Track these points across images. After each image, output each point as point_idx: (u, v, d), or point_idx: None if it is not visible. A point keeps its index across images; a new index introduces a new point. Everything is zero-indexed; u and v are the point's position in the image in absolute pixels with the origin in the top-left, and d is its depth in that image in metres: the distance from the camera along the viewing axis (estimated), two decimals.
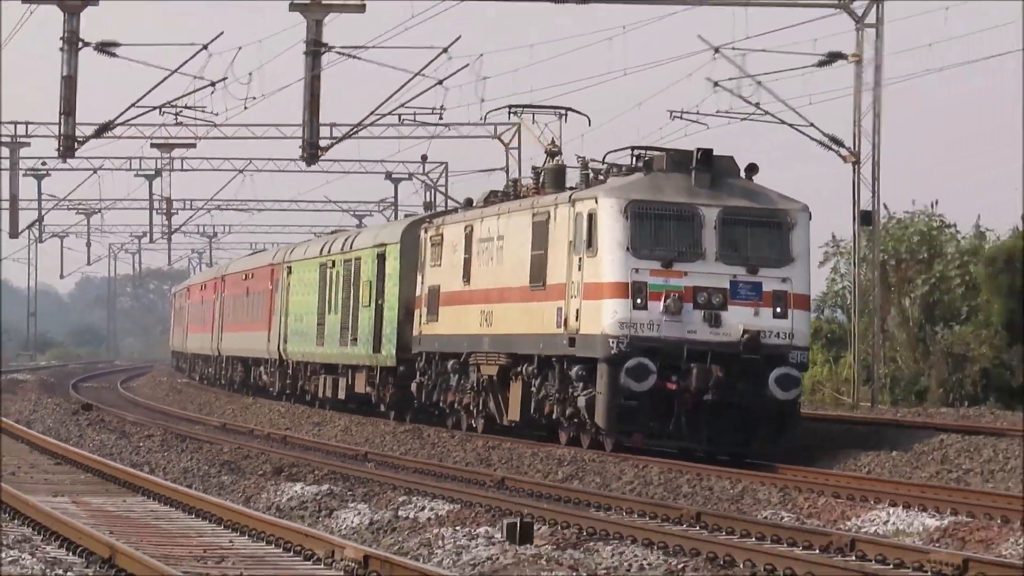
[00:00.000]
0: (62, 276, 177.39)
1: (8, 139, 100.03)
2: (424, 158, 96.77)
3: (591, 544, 17.77)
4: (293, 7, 48.53)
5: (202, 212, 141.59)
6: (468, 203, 45.56)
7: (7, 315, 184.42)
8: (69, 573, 17.66)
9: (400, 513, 22.58)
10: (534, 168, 45.86)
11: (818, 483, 30.28)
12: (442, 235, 46.24)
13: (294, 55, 52.81)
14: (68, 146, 56.72)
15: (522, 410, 41.34)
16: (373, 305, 36.42)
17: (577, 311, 35.51)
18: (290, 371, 50.12)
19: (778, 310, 34.82)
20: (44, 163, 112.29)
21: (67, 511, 23.11)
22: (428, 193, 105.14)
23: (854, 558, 16.63)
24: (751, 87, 47.50)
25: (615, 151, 40.23)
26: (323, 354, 47.30)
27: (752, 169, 38.33)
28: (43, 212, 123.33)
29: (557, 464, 35.69)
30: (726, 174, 36.72)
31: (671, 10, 62.09)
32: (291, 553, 18.49)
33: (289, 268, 50.09)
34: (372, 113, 64.05)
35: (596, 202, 35.25)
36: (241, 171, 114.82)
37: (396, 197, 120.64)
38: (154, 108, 61.30)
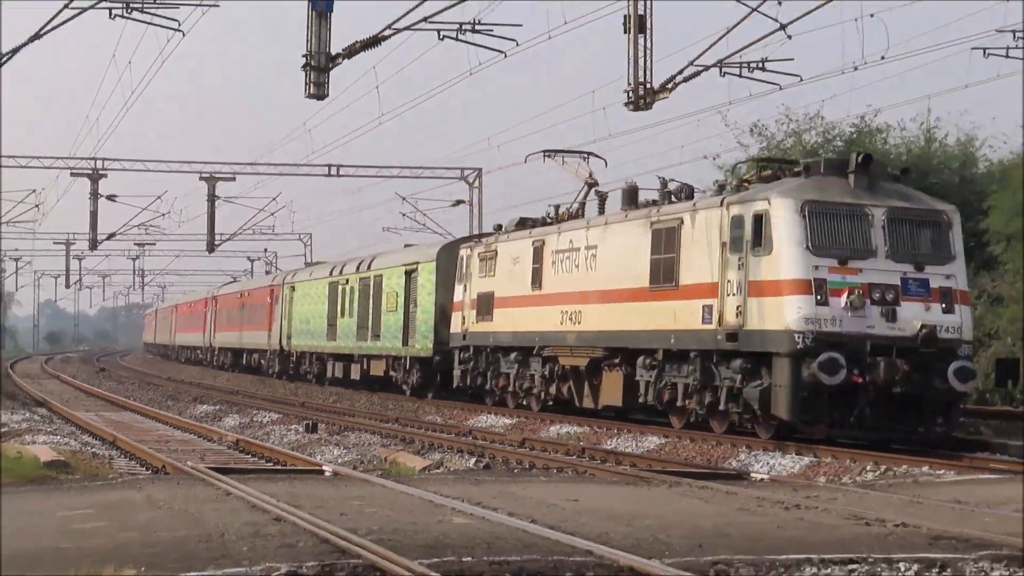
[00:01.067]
0: (90, 305, 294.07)
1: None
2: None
3: None
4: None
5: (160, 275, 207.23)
6: (498, 228, 53.60)
7: (64, 327, 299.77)
8: (92, 448, 32.48)
9: (255, 419, 50.78)
10: (597, 192, 50.74)
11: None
12: (495, 251, 52.53)
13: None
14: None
15: (624, 396, 43.76)
16: (401, 310, 46.46)
17: (739, 308, 35.33)
18: (293, 358, 63.85)
19: (945, 306, 34.49)
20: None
21: (92, 419, 44.74)
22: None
23: None
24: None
25: (744, 162, 46.31)
26: (335, 347, 60.92)
27: (905, 172, 38.73)
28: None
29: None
30: (880, 177, 36.68)
31: None
32: (201, 438, 40.66)
33: (292, 287, 63.72)
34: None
35: (769, 203, 35.02)
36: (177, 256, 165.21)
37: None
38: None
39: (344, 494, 18.94)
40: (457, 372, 55.22)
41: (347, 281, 51.18)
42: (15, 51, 35.42)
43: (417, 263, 41.96)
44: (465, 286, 53.52)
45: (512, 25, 43.22)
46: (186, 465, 24.28)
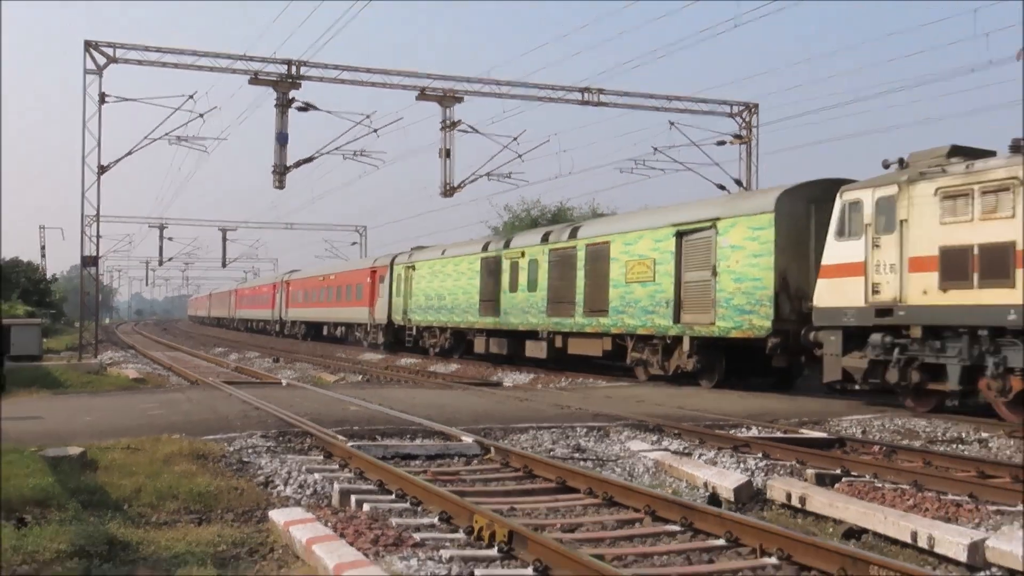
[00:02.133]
0: (160, 296, 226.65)
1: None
2: None
3: None
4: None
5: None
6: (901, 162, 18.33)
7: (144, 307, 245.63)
8: (158, 371, 29.86)
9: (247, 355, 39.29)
10: None
11: None
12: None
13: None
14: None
15: None
16: (667, 280, 23.78)
17: None
18: (413, 332, 39.95)
19: None
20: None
21: (158, 355, 39.67)
22: None
23: None
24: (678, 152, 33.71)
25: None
26: (495, 322, 33.35)
27: None
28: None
29: None
30: None
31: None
32: (216, 365, 32.95)
33: (411, 267, 40.16)
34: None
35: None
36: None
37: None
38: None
39: (292, 394, 19.26)
40: (861, 360, 17.97)
41: (522, 255, 31.67)
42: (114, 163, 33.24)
43: (715, 219, 23.12)
44: (874, 241, 17.75)
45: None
46: (208, 380, 24.31)
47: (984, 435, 14.32)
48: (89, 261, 32.46)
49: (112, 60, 29.26)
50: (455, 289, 35.89)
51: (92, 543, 7.31)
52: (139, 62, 29.52)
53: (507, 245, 33.19)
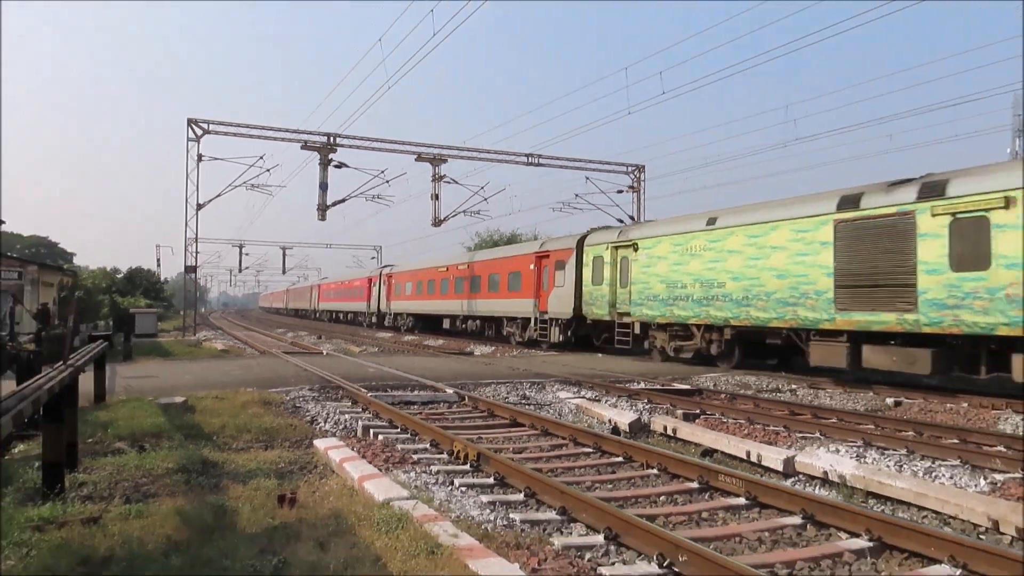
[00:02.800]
0: (240, 292, 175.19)
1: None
2: None
3: None
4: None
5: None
6: None
7: (229, 301, 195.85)
8: (239, 344, 27.42)
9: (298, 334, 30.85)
10: None
11: None
12: None
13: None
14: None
15: None
16: None
17: None
18: (634, 329, 20.41)
19: None
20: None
21: (238, 334, 32.60)
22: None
23: None
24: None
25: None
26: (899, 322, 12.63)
27: None
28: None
29: None
30: None
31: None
32: (278, 340, 30.15)
33: (633, 245, 20.29)
34: None
35: None
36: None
37: None
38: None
39: (330, 361, 18.94)
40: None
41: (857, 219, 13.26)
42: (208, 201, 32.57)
43: None
44: None
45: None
46: (271, 351, 23.85)
47: (793, 386, 14.51)
48: (190, 269, 32.55)
49: (206, 132, 29.03)
50: (754, 271, 16.14)
51: (191, 462, 7.17)
52: (225, 133, 29.28)
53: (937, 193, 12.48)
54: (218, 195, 31.20)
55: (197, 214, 29.98)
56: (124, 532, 5.04)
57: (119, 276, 62.30)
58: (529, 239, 45.47)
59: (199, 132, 29.07)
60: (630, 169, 33.73)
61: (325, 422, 9.98)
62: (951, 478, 7.33)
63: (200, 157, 29.18)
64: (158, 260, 75.77)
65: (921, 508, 6.46)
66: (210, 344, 28.59)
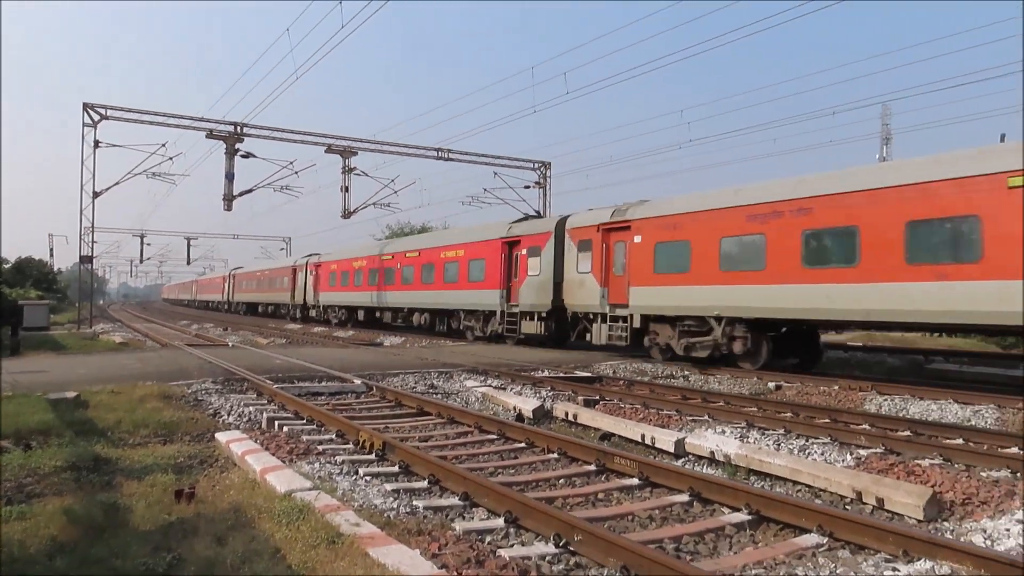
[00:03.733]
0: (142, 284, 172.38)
1: None
2: None
3: None
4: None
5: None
6: None
7: (129, 292, 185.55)
8: (138, 337, 27.60)
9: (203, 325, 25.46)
10: None
11: None
12: None
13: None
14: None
15: None
16: None
17: None
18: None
19: None
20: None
21: (138, 326, 28.72)
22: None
23: None
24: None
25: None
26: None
27: None
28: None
29: None
30: None
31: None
32: (180, 332, 27.41)
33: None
34: None
35: None
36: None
37: None
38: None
39: (236, 353, 18.23)
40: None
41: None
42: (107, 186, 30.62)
43: None
44: None
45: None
46: (174, 343, 22.71)
47: (685, 373, 15.05)
48: (85, 259, 30.70)
49: (104, 117, 27.25)
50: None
51: (81, 459, 6.74)
52: (124, 119, 27.55)
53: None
54: (116, 183, 29.48)
55: (93, 202, 28.23)
56: (4, 535, 4.69)
57: (6, 266, 57.75)
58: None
59: (96, 118, 27.27)
60: (537, 165, 33.75)
61: (228, 415, 9.61)
62: (822, 454, 7.80)
63: (97, 143, 27.42)
64: (51, 250, 70.74)
65: (796, 483, 6.83)
66: (107, 337, 26.91)
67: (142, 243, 67.71)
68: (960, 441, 8.45)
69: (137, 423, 8.62)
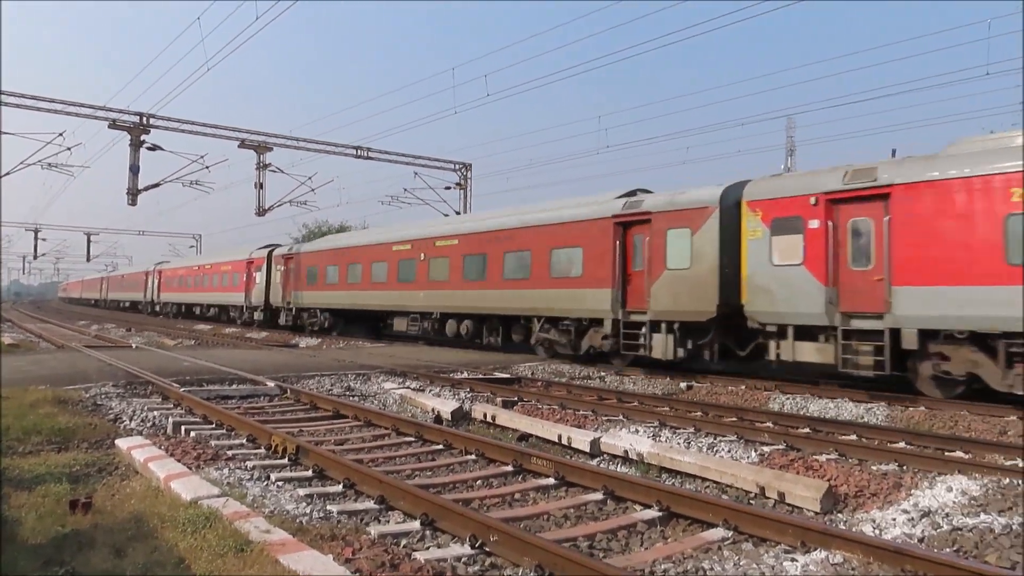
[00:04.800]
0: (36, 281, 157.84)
1: None
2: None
3: None
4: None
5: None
6: None
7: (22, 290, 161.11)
8: (31, 338, 26.73)
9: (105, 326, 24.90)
10: None
11: None
12: None
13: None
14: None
15: None
16: None
17: None
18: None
19: None
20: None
21: (32, 327, 25.53)
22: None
23: None
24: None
25: None
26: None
27: None
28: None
29: None
30: None
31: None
32: (79, 332, 24.43)
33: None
34: None
35: None
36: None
37: None
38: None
39: (140, 355, 17.36)
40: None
41: None
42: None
43: None
44: None
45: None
46: (71, 344, 21.40)
47: (602, 374, 15.33)
48: None
49: None
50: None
51: None
52: (17, 105, 25.69)
53: None
54: (7, 173, 27.53)
55: None
56: None
57: None
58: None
59: None
60: (458, 166, 33.48)
61: (131, 420, 9.14)
62: (729, 452, 8.13)
63: None
64: None
65: (704, 479, 7.09)
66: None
67: (36, 238, 63.45)
68: (854, 437, 8.94)
69: (28, 430, 8.09)
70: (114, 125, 26.06)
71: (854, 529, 5.59)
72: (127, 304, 48.42)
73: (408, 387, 12.49)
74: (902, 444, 8.53)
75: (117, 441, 7.71)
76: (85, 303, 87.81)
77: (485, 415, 10.23)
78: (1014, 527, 5.33)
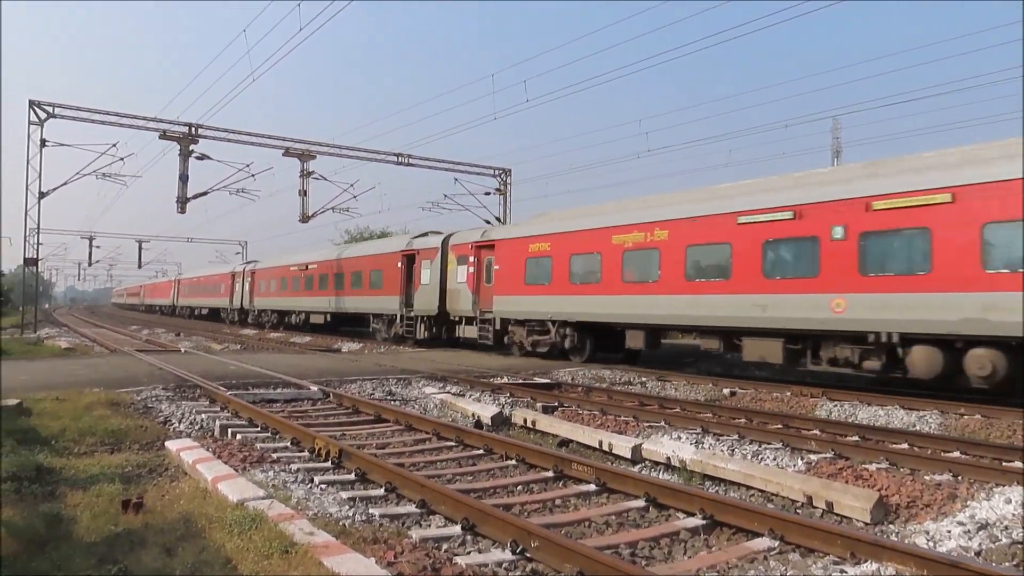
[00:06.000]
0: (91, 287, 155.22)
1: None
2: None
3: None
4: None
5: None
6: None
7: (77, 296, 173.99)
8: (86, 344, 22.89)
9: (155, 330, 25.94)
10: None
11: None
12: None
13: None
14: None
15: None
16: None
17: None
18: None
19: None
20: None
21: (86, 331, 27.33)
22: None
23: None
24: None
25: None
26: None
27: None
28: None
29: None
30: None
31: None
32: (130, 337, 23.73)
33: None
34: None
35: None
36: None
37: None
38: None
39: (189, 359, 17.78)
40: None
41: None
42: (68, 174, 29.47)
43: None
44: None
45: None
46: (123, 348, 22.05)
47: (643, 379, 15.21)
48: (30, 262, 29.70)
49: (51, 116, 26.38)
50: None
51: (23, 469, 6.48)
52: (73, 118, 26.71)
53: None
54: (64, 183, 28.57)
55: (39, 203, 27.29)
56: None
57: None
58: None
59: (42, 116, 26.39)
60: (497, 172, 33.60)
61: (180, 422, 9.37)
62: (774, 459, 7.96)
63: (44, 142, 26.55)
64: None
65: (749, 487, 6.96)
66: (53, 342, 26.05)
67: (91, 245, 65.37)
68: (905, 445, 8.70)
69: (83, 431, 8.35)
70: (165, 136, 26.76)
71: (906, 541, 5.42)
72: (204, 312, 48.51)
73: (448, 392, 12.55)
74: (956, 453, 8.27)
75: (167, 443, 7.90)
76: (131, 308, 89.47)
77: (525, 420, 10.21)
78: None
